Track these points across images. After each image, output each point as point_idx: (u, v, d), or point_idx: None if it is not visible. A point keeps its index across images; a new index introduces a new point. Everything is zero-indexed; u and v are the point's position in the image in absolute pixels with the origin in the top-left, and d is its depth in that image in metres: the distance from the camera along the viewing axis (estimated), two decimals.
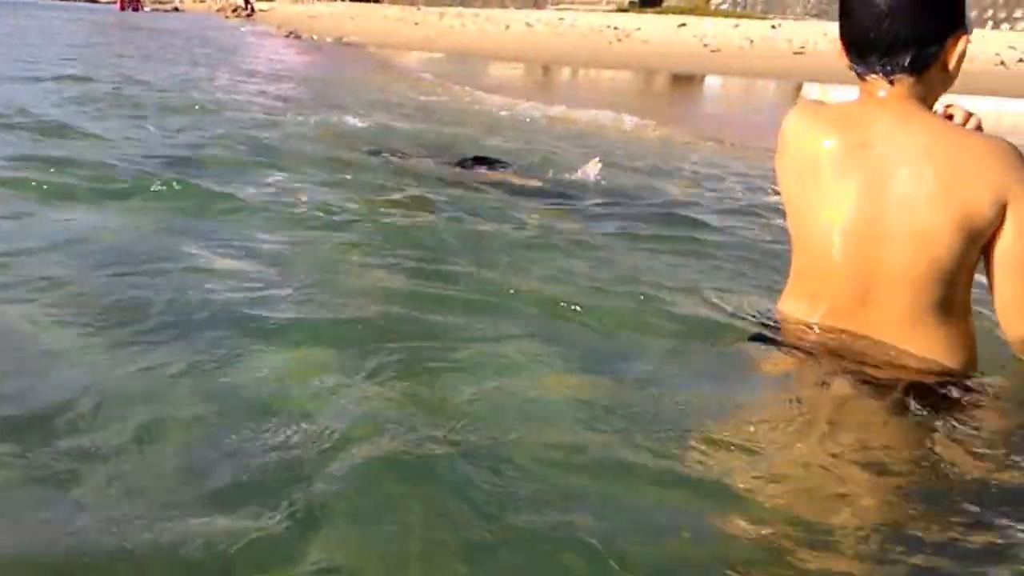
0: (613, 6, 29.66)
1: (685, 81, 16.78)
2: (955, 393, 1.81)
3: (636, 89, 15.48)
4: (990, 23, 22.45)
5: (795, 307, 1.92)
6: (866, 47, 1.77)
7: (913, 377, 1.81)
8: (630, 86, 16.12)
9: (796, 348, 1.92)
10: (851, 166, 1.79)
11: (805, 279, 1.90)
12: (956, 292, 1.78)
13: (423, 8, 34.70)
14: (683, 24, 23.35)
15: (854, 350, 1.86)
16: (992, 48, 17.90)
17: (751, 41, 20.86)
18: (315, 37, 24.13)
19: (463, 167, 5.11)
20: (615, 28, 23.22)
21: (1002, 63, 16.57)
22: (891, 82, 1.77)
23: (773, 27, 22.16)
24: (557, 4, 31.33)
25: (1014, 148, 1.72)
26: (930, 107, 1.79)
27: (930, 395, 1.80)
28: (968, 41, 1.75)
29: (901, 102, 1.78)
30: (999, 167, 1.70)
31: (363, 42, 23.10)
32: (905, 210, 1.75)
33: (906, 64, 1.74)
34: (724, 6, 29.53)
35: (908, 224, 1.75)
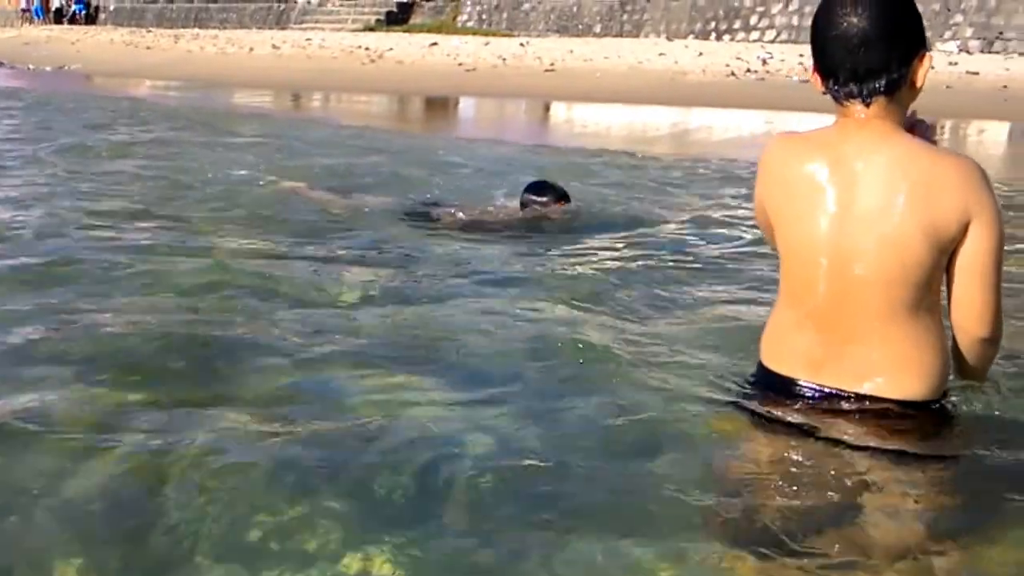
0: (359, 25, 29.59)
1: (451, 103, 17.08)
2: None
3: (404, 112, 15.62)
4: (713, 35, 24.46)
5: (785, 311, 2.15)
6: (844, 76, 2.00)
7: (887, 389, 2.03)
8: (393, 109, 16.20)
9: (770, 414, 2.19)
10: (830, 181, 2.01)
11: (793, 284, 2.13)
12: (926, 294, 2.01)
13: (155, 31, 33.00)
14: (434, 43, 23.71)
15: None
16: (722, 60, 19.59)
17: (503, 59, 21.53)
18: (31, 67, 22.41)
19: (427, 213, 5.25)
20: (367, 48, 23.21)
21: (732, 74, 18.17)
22: (867, 104, 2.00)
23: (522, 45, 22.98)
24: (300, 24, 30.82)
25: (978, 167, 1.99)
26: (901, 120, 2.05)
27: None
28: (931, 58, 2.03)
29: (876, 122, 2.01)
30: (964, 185, 1.95)
31: (87, 71, 21.69)
32: (879, 219, 1.97)
33: (881, 88, 1.98)
34: (470, 23, 30.24)
35: (881, 232, 1.97)
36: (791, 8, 23.73)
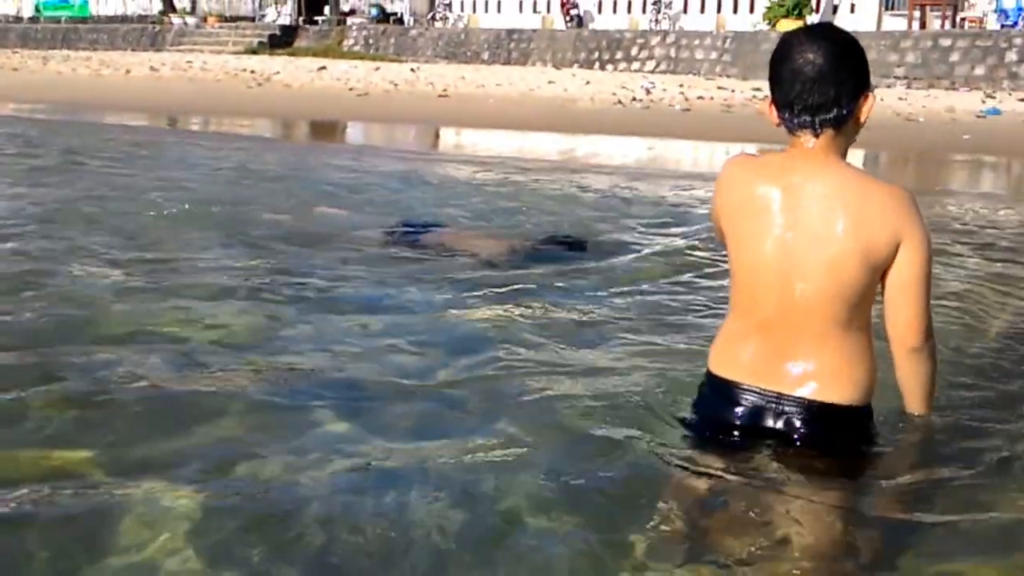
0: (241, 47, 29.27)
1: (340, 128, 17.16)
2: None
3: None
4: (597, 64, 25.33)
5: (734, 322, 2.40)
6: (798, 109, 2.24)
7: (822, 395, 2.28)
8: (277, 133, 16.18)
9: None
10: (778, 204, 2.25)
11: (742, 297, 2.37)
12: (860, 312, 2.27)
13: (21, 51, 31.79)
14: (323, 67, 23.74)
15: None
16: (608, 88, 20.36)
17: (395, 84, 21.76)
18: None
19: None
20: (252, 71, 23.05)
21: (619, 102, 18.94)
22: (817, 135, 2.24)
23: (413, 70, 23.28)
24: (178, 46, 30.25)
25: (907, 194, 2.27)
26: (845, 153, 2.31)
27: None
28: (874, 97, 2.30)
29: (823, 152, 2.26)
30: (895, 210, 2.21)
31: None
32: (820, 242, 2.22)
33: (830, 120, 2.23)
34: (357, 48, 30.34)
35: (821, 253, 2.22)
36: (668, 41, 24.87)
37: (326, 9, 33.00)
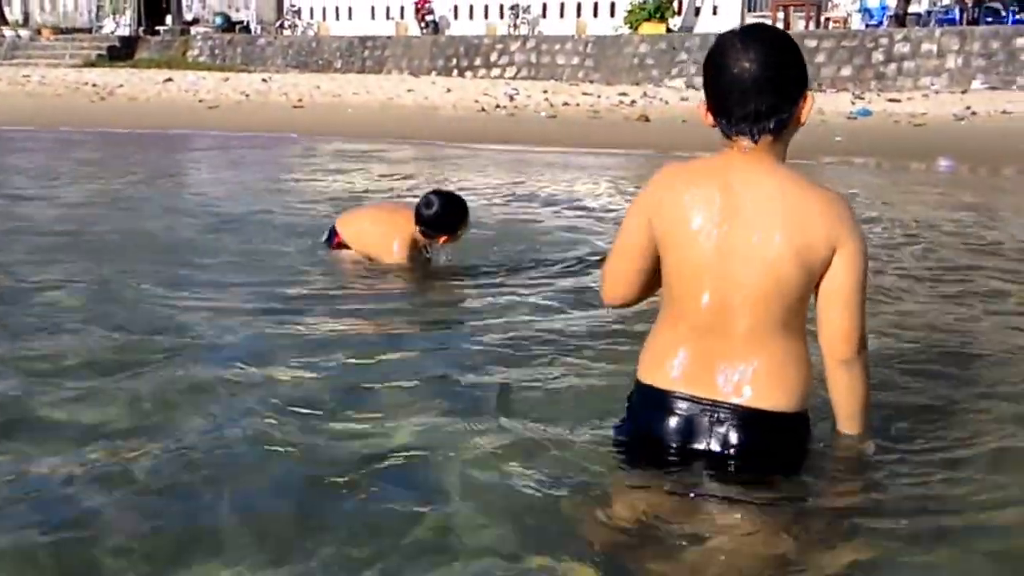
0: (79, 60, 27.77)
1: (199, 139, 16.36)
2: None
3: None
4: (456, 71, 25.20)
5: (665, 329, 2.31)
6: (736, 115, 2.17)
7: (756, 401, 2.21)
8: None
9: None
10: (714, 207, 2.20)
11: (673, 302, 2.29)
12: (795, 316, 2.22)
13: None
14: (169, 79, 22.73)
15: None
16: (470, 95, 20.23)
17: (246, 95, 21.02)
18: None
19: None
20: (93, 85, 21.84)
21: (483, 109, 18.81)
22: (755, 141, 2.18)
23: (265, 80, 22.56)
24: (10, 60, 28.44)
25: (843, 200, 2.22)
26: (783, 154, 2.25)
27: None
28: (813, 97, 2.22)
29: (760, 155, 2.20)
30: (832, 217, 2.16)
31: None
32: (757, 241, 2.16)
33: (771, 127, 2.17)
34: (202, 58, 29.24)
35: (758, 252, 2.16)
36: (528, 47, 24.94)
37: (168, 19, 31.69)
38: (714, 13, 24.87)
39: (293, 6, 31.15)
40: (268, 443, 2.69)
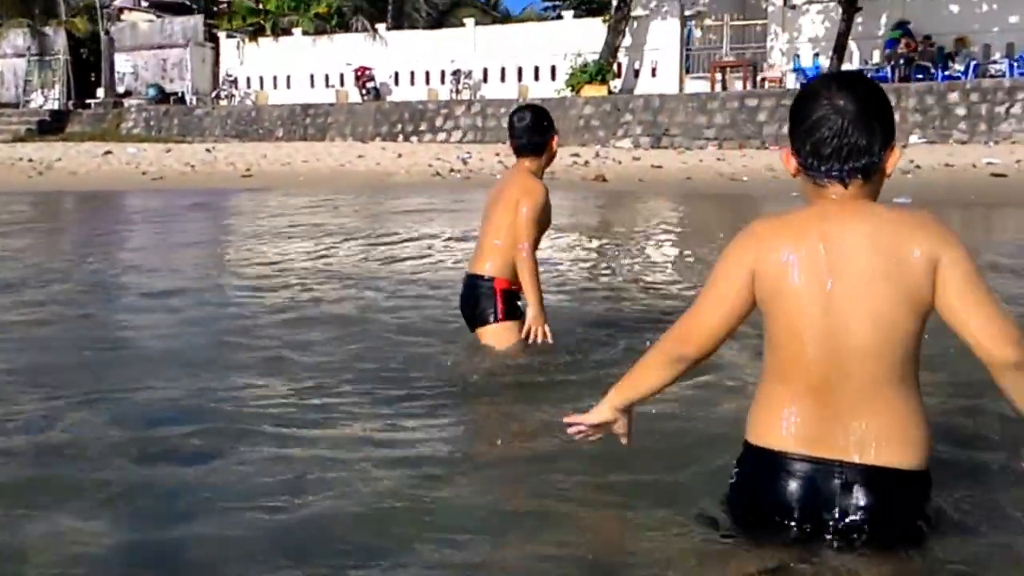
0: (8, 135, 27.12)
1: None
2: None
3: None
4: (400, 136, 25.19)
5: (774, 387, 2.20)
6: (826, 153, 2.13)
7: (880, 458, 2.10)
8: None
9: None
10: (818, 259, 2.12)
11: (782, 360, 2.20)
12: (910, 367, 2.13)
13: None
14: (108, 151, 22.26)
15: None
16: (423, 160, 20.18)
17: (192, 166, 20.67)
18: None
19: None
20: (30, 160, 21.24)
21: (437, 174, 18.77)
22: (845, 186, 2.14)
23: (209, 150, 22.25)
24: None
25: (931, 215, 2.16)
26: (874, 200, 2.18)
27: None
28: (900, 151, 2.20)
29: (851, 201, 2.15)
30: (926, 235, 2.09)
31: None
32: (863, 294, 2.09)
33: (859, 168, 2.12)
34: (136, 130, 28.77)
35: (868, 304, 2.09)
36: (473, 111, 25.10)
37: (99, 92, 31.15)
38: (653, 75, 25.35)
39: (229, 76, 30.93)
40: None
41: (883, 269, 2.07)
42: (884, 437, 2.09)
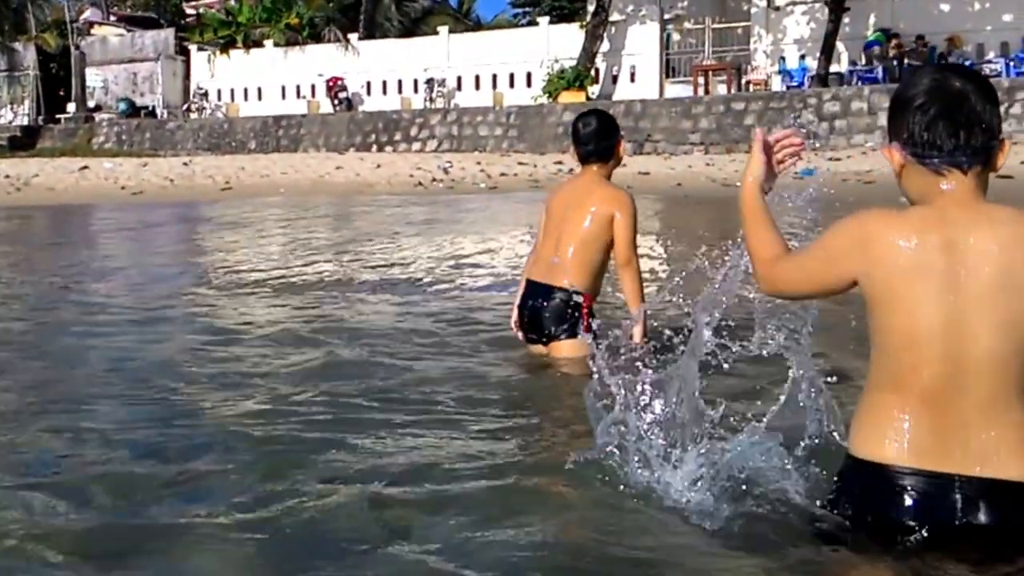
0: None
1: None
2: None
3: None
4: (375, 147, 25.25)
5: (883, 396, 2.08)
6: (946, 136, 2.02)
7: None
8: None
9: None
10: (937, 265, 2.01)
11: (893, 368, 2.08)
12: None
13: None
14: (85, 167, 22.17)
15: None
16: (403, 170, 20.30)
17: (170, 180, 20.65)
18: None
19: None
20: (7, 176, 21.10)
21: (420, 184, 18.91)
22: (965, 172, 2.02)
23: (186, 164, 22.24)
24: None
25: None
26: (985, 194, 2.09)
27: None
28: (1010, 146, 2.10)
29: (970, 198, 2.04)
30: None
31: None
32: (988, 302, 1.99)
33: (981, 147, 2.01)
34: (108, 145, 28.62)
35: (992, 315, 1.98)
36: (449, 120, 25.24)
37: (70, 107, 30.95)
38: (632, 80, 25.51)
39: (200, 89, 30.87)
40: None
41: (1008, 281, 1.98)
42: (1005, 450, 2.00)
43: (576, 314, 3.99)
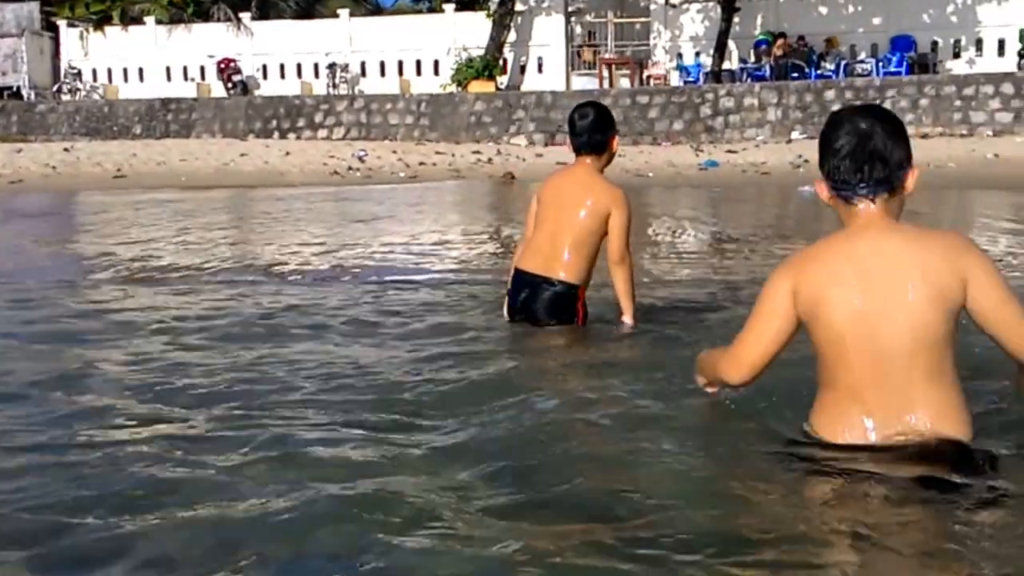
0: None
1: None
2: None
3: None
4: (276, 134, 23.83)
5: (830, 392, 2.44)
6: (854, 172, 2.37)
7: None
8: None
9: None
10: (848, 275, 2.37)
11: (827, 368, 2.42)
12: (946, 364, 2.35)
13: None
14: (19, 150, 20.05)
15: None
16: (315, 158, 19.08)
17: (53, 167, 18.86)
18: None
19: None
20: None
21: (335, 172, 17.74)
22: (873, 200, 2.39)
23: (67, 149, 20.40)
24: None
25: (962, 235, 2.51)
26: (898, 217, 2.44)
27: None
28: (918, 173, 2.43)
29: (879, 219, 2.40)
30: (957, 253, 2.36)
31: None
32: (900, 304, 2.33)
33: (883, 179, 2.38)
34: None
35: (905, 314, 2.32)
36: (356, 107, 24.00)
37: None
38: (539, 71, 25.03)
39: (72, 68, 28.49)
40: None
41: (911, 277, 2.32)
42: (940, 420, 2.33)
43: (571, 306, 4.14)
